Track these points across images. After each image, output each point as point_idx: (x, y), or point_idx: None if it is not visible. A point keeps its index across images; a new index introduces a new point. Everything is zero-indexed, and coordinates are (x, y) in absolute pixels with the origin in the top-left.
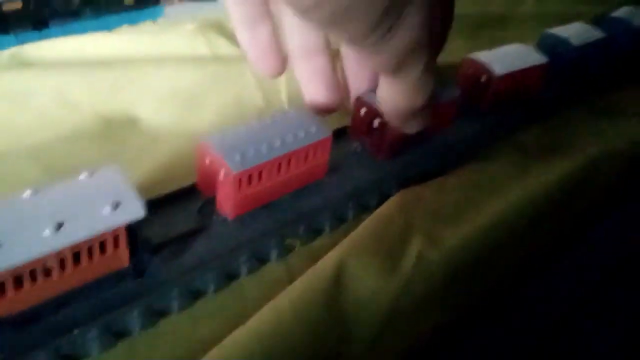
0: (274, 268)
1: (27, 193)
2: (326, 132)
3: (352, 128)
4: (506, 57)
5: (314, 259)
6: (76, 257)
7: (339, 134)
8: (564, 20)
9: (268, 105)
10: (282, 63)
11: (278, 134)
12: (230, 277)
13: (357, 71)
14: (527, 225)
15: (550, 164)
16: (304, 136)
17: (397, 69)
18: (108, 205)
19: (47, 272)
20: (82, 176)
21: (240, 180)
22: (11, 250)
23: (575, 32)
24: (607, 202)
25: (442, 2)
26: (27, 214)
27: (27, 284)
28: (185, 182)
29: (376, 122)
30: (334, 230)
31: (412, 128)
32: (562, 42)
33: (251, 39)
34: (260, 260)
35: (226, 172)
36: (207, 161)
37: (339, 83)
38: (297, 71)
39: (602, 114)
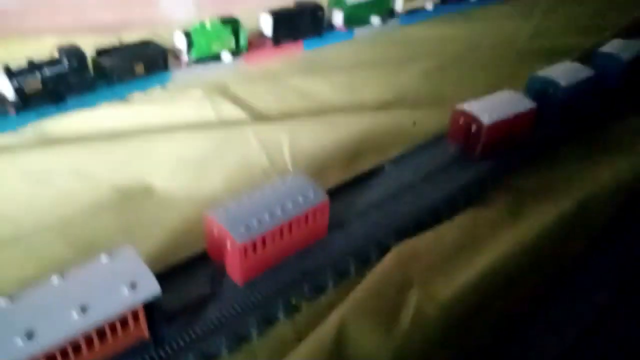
0: (282, 328)
1: (54, 278)
2: (323, 197)
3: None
4: (494, 106)
5: (320, 316)
6: (101, 334)
7: (335, 192)
8: (558, 53)
9: (273, 165)
10: None
11: (279, 201)
12: (242, 339)
13: None
14: (519, 272)
15: (541, 208)
16: (303, 202)
17: None
18: (126, 286)
19: (76, 350)
20: (102, 259)
21: (245, 250)
22: (44, 335)
23: (563, 72)
24: (595, 243)
25: None
26: (56, 299)
27: None
28: (197, 247)
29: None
30: (338, 286)
31: None
32: (551, 84)
33: None
34: (269, 321)
35: (232, 243)
36: (214, 232)
37: None
38: None
39: (592, 151)
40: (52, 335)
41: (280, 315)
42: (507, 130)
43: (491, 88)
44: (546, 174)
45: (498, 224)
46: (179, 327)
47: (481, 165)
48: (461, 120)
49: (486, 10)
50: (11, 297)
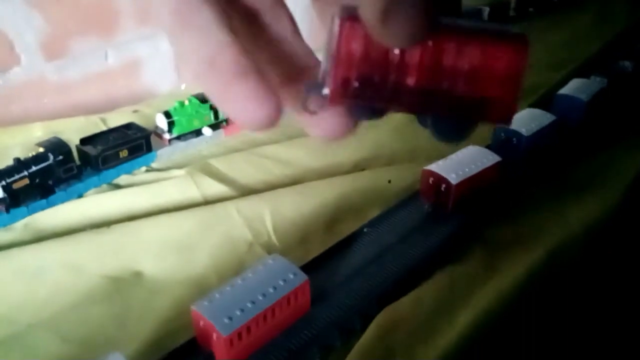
0: None
1: None
2: (303, 277)
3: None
4: (461, 164)
5: None
6: None
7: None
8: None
9: (256, 238)
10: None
11: (260, 288)
12: None
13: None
14: (498, 325)
15: (514, 259)
16: (284, 285)
17: None
18: None
19: None
20: None
21: (231, 340)
22: None
23: (524, 120)
24: (569, 289)
25: None
26: None
27: None
28: (185, 333)
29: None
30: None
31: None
32: (514, 134)
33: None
34: None
35: (218, 336)
36: (201, 324)
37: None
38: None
39: (561, 192)
40: None
41: None
42: (475, 185)
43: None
44: (517, 222)
45: (474, 279)
46: None
47: (454, 220)
48: (431, 180)
49: None
50: None
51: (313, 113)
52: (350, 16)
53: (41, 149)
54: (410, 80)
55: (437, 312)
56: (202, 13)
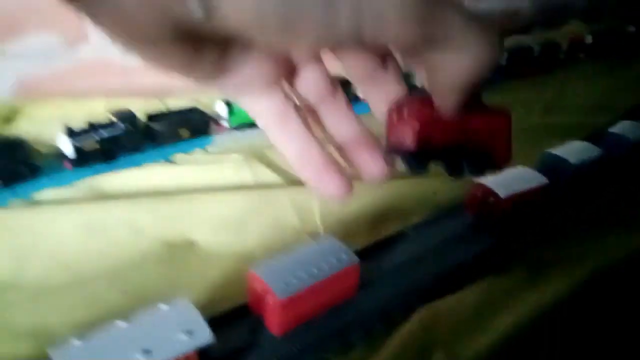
0: None
1: (120, 323)
2: (354, 260)
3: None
4: (509, 180)
5: None
6: None
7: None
8: (567, 132)
9: (304, 226)
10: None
11: (315, 262)
12: None
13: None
14: (534, 337)
15: (555, 279)
16: (336, 263)
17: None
18: (183, 333)
19: None
20: (161, 307)
21: (284, 304)
22: None
23: (573, 150)
24: (608, 311)
25: None
26: (123, 341)
27: None
28: (235, 299)
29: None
30: (365, 344)
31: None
32: (561, 161)
33: (300, 154)
34: None
35: (273, 298)
36: (256, 287)
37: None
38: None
39: (602, 226)
40: None
41: None
42: (521, 203)
43: None
44: (559, 244)
45: (515, 290)
46: None
47: (498, 233)
48: (479, 193)
49: (499, 86)
50: (81, 337)
51: (391, 165)
52: (421, 97)
53: (113, 118)
54: (452, 138)
55: (478, 313)
56: (294, 119)
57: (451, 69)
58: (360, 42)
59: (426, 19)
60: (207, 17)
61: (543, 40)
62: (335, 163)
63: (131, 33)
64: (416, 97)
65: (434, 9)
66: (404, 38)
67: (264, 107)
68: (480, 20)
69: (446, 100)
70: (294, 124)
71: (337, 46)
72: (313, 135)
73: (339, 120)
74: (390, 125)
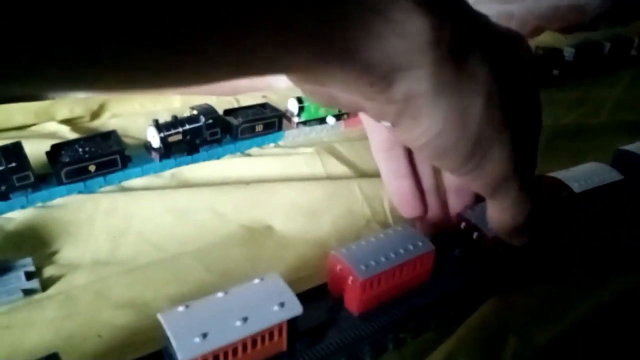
0: (390, 357)
1: (220, 294)
2: (430, 246)
3: (454, 237)
4: (583, 175)
5: (423, 350)
6: (254, 342)
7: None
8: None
9: (374, 215)
10: (422, 207)
11: (392, 247)
12: None
13: (457, 191)
14: (606, 328)
15: (626, 273)
16: (413, 249)
17: (492, 193)
18: (276, 305)
19: (234, 353)
20: (255, 281)
21: (364, 285)
22: (215, 336)
23: None
24: None
25: (527, 134)
26: (223, 310)
27: None
28: (311, 281)
29: (475, 235)
30: (439, 327)
31: (517, 242)
32: (637, 158)
33: (397, 189)
34: (380, 350)
35: (354, 279)
36: (337, 268)
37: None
38: (390, 192)
39: None
40: (221, 338)
41: (390, 346)
42: (595, 201)
43: (573, 158)
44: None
45: (587, 283)
46: (306, 346)
47: (571, 229)
48: (548, 187)
49: (568, 83)
50: (187, 305)
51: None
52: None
53: (195, 112)
54: None
55: (550, 304)
56: (397, 151)
57: (496, 218)
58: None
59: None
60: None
61: (613, 35)
62: (417, 197)
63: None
64: None
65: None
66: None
67: (377, 138)
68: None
69: (509, 240)
70: (396, 159)
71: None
72: (409, 170)
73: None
74: None
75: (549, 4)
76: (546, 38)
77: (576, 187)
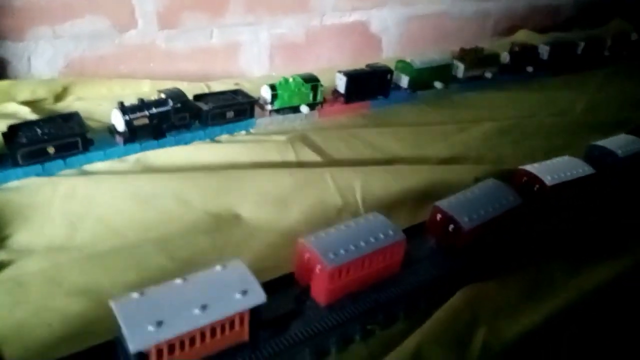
0: (358, 348)
1: (178, 281)
2: (401, 236)
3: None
4: (557, 170)
5: (391, 342)
6: (213, 331)
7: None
8: (610, 126)
9: (345, 205)
10: None
11: (362, 236)
12: (323, 354)
13: None
14: (578, 324)
15: (599, 264)
16: (383, 238)
17: None
18: (238, 293)
19: (192, 342)
20: (216, 268)
21: (332, 274)
22: (171, 325)
23: (619, 144)
24: None
25: None
26: (180, 297)
27: (177, 351)
28: (277, 272)
29: (451, 227)
30: (408, 318)
31: None
32: (608, 154)
33: None
34: (347, 341)
35: (321, 267)
36: (305, 256)
37: None
38: None
39: None
40: (178, 326)
41: (357, 337)
42: (569, 190)
43: (547, 154)
44: (603, 235)
45: (560, 277)
46: (270, 336)
47: (547, 219)
48: (524, 179)
49: (541, 81)
50: (142, 292)
51: None
52: None
53: (162, 95)
54: None
55: (521, 296)
56: None
57: None
58: None
59: None
60: None
61: (587, 36)
62: None
63: None
64: None
65: None
66: None
67: None
68: None
69: None
70: None
71: None
72: None
73: None
74: None
75: (525, 3)
76: (521, 36)
77: (548, 180)
